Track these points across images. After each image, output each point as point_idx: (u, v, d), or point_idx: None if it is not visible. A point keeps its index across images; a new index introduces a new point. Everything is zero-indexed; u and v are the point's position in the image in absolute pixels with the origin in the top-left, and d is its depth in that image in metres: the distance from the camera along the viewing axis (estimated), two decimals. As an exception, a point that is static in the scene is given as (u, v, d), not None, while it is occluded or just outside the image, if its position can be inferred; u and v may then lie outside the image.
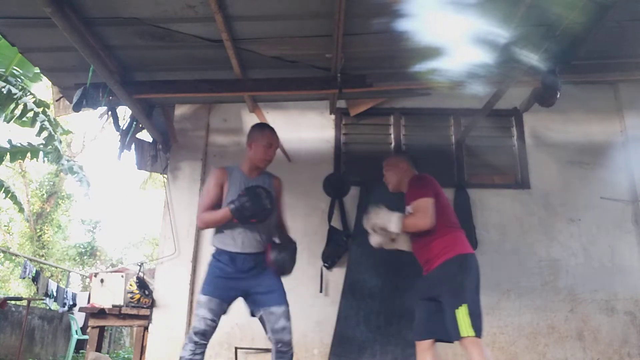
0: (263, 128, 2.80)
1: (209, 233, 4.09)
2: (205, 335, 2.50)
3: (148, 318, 4.06)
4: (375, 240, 2.79)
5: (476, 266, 2.61)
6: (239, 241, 2.61)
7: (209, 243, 2.74)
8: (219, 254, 2.64)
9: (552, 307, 3.99)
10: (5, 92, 5.70)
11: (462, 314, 2.42)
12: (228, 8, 2.86)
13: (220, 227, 2.64)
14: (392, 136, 4.46)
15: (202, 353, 2.51)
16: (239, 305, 2.63)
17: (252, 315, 2.65)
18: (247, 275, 2.59)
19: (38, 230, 13.54)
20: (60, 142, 7.04)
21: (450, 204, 2.89)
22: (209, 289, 2.56)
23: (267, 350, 3.88)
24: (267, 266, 2.63)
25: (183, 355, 2.49)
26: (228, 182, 2.66)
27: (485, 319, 3.91)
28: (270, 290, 2.61)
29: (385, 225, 2.63)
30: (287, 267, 2.68)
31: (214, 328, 2.54)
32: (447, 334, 2.50)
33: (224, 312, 2.58)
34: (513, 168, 4.37)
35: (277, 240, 2.74)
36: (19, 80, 6.24)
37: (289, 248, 2.73)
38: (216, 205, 2.62)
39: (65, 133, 7.35)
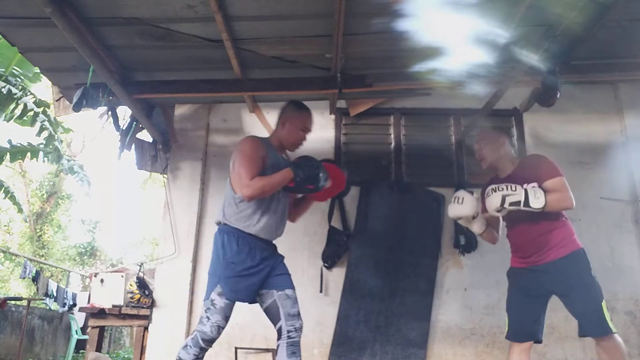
0: (302, 109, 2.59)
1: (208, 232, 4.12)
2: (212, 342, 2.33)
3: (148, 318, 4.06)
4: (464, 210, 2.55)
5: None
6: (268, 225, 2.40)
7: (210, 237, 2.51)
8: (236, 241, 2.35)
9: (552, 307, 3.96)
10: (5, 92, 5.71)
11: (605, 309, 2.34)
12: (228, 8, 2.86)
13: (254, 207, 2.38)
14: (392, 136, 4.46)
15: (203, 358, 2.36)
16: (239, 305, 2.52)
17: (255, 301, 2.41)
18: (264, 266, 2.39)
19: (38, 230, 13.55)
20: (61, 141, 7.05)
21: None
22: (229, 292, 2.30)
23: (267, 350, 3.89)
24: (277, 255, 2.51)
25: (184, 359, 2.30)
26: (268, 156, 2.43)
27: (485, 319, 3.97)
28: (283, 272, 2.46)
29: (527, 200, 2.33)
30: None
31: (221, 334, 2.36)
32: (592, 329, 2.39)
33: None
34: (513, 168, 4.37)
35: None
36: (19, 80, 6.24)
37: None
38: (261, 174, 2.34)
39: (66, 132, 7.34)
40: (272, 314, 2.39)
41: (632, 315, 3.96)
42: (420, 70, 3.31)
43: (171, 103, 4.43)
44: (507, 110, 4.37)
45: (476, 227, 2.66)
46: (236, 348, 3.87)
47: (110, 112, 4.24)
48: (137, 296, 4.08)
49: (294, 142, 2.57)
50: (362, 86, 3.55)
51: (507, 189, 2.37)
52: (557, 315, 3.96)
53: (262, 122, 4.47)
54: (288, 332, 2.34)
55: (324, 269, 4.07)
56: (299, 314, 2.40)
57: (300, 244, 4.17)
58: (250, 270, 2.34)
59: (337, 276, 4.08)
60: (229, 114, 4.53)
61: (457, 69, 3.21)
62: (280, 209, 2.52)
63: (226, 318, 2.33)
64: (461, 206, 2.56)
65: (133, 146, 4.48)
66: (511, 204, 2.35)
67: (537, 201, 2.33)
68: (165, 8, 2.86)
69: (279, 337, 2.35)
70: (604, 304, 2.36)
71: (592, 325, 2.38)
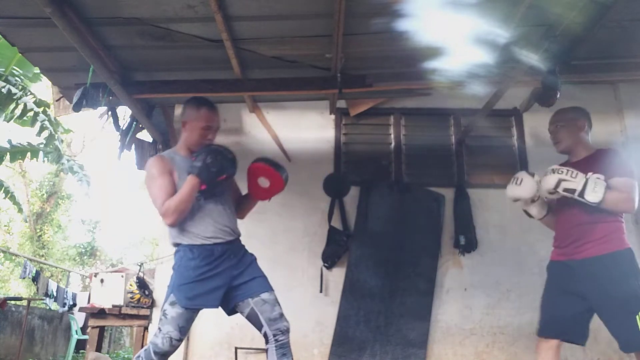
0: (199, 105, 2.35)
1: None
2: (166, 356, 2.18)
3: (148, 318, 4.06)
4: (522, 192, 2.39)
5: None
6: (209, 230, 2.25)
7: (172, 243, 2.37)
8: (188, 251, 2.24)
9: (552, 307, 3.98)
10: (5, 92, 5.71)
11: None
12: (228, 8, 2.86)
13: (188, 220, 2.24)
14: (392, 136, 4.46)
15: None
16: (209, 309, 2.39)
17: (235, 312, 2.32)
18: (224, 268, 2.24)
19: (38, 230, 13.55)
20: (62, 141, 7.05)
21: None
22: (183, 299, 2.16)
23: (267, 350, 3.89)
24: (244, 255, 2.36)
25: None
26: (176, 169, 2.27)
27: (485, 319, 3.97)
28: (253, 277, 2.30)
29: (583, 191, 2.14)
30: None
31: (177, 348, 2.20)
32: (626, 344, 2.15)
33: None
34: (513, 168, 4.36)
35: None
36: (19, 80, 6.24)
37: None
38: (173, 194, 2.19)
39: (67, 132, 7.35)
40: (254, 322, 2.28)
41: (632, 315, 3.96)
42: (420, 70, 3.31)
43: (171, 103, 4.43)
44: (507, 110, 4.37)
45: (535, 211, 2.50)
46: (236, 348, 3.87)
47: (110, 112, 4.24)
48: (137, 296, 4.08)
49: (198, 141, 2.33)
50: (362, 86, 3.55)
51: (566, 173, 2.18)
52: (557, 315, 3.97)
53: (262, 122, 4.47)
54: (274, 335, 2.23)
55: (324, 269, 4.07)
56: (281, 316, 2.27)
57: (300, 244, 4.17)
58: (206, 275, 2.21)
59: (337, 276, 4.07)
60: (229, 114, 4.53)
61: (457, 69, 3.21)
62: (219, 206, 2.33)
63: (180, 329, 2.16)
64: (519, 187, 2.40)
65: (133, 146, 4.48)
66: (565, 189, 2.17)
67: (594, 195, 2.12)
68: (165, 8, 2.86)
69: (267, 342, 2.26)
70: None
71: (624, 338, 2.15)
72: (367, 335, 3.88)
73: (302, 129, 4.46)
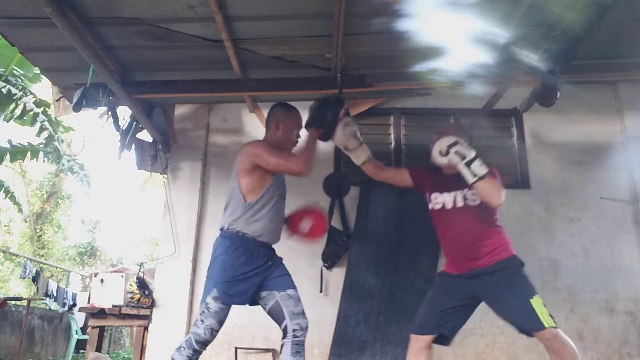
0: (292, 109, 2.65)
1: (209, 233, 4.12)
2: (206, 345, 2.35)
3: (148, 318, 4.06)
4: (336, 139, 2.58)
5: None
6: (273, 230, 2.45)
7: (210, 241, 2.53)
8: (235, 247, 2.36)
9: (552, 307, 3.88)
10: (5, 92, 5.70)
11: (538, 304, 2.26)
12: (228, 8, 2.86)
13: (259, 214, 2.40)
14: (392, 136, 4.46)
15: (197, 359, 2.37)
16: (239, 306, 2.52)
17: (256, 302, 2.43)
18: (262, 269, 2.40)
19: (38, 230, 13.55)
20: (62, 141, 7.05)
21: None
22: (225, 296, 2.31)
23: (267, 350, 3.89)
24: (276, 257, 2.53)
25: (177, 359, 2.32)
26: None
27: (485, 319, 3.96)
28: (283, 273, 2.47)
29: (472, 160, 2.26)
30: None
31: (215, 337, 2.37)
32: (524, 326, 2.31)
33: None
34: (513, 168, 4.37)
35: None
36: (19, 80, 6.24)
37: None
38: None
39: (67, 131, 7.33)
40: (276, 315, 2.38)
41: (632, 315, 3.96)
42: (420, 70, 3.31)
43: (171, 103, 4.43)
44: (507, 110, 4.37)
45: (353, 157, 2.67)
46: (236, 348, 3.87)
47: (110, 112, 4.24)
48: (137, 296, 4.08)
49: (292, 140, 2.62)
50: (362, 86, 3.56)
51: (464, 142, 2.33)
52: (557, 316, 3.93)
53: (262, 122, 4.47)
54: (294, 330, 2.32)
55: (324, 269, 4.07)
56: (303, 313, 2.39)
57: (300, 244, 4.16)
58: (246, 275, 2.35)
59: (337, 276, 4.07)
60: (229, 114, 4.53)
61: (457, 69, 3.21)
62: (282, 212, 2.58)
63: (220, 322, 2.34)
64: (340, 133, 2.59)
65: (133, 146, 4.48)
66: (457, 152, 2.29)
67: (479, 169, 2.24)
68: (165, 8, 2.86)
69: (284, 336, 2.34)
70: (536, 299, 2.28)
71: (521, 322, 2.32)
72: (367, 335, 3.88)
73: (302, 129, 4.44)
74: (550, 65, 3.15)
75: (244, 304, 2.39)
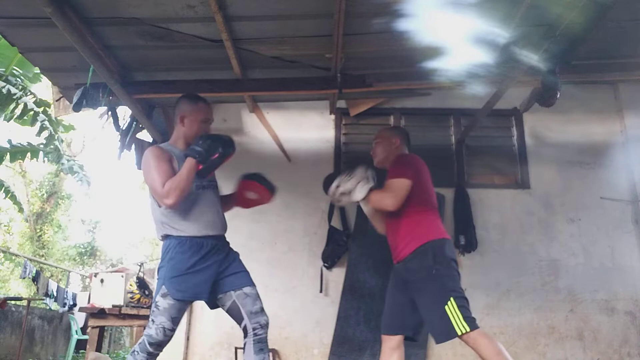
0: (196, 100, 2.46)
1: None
2: (161, 346, 2.24)
3: (148, 318, 4.06)
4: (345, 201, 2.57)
5: (452, 251, 2.40)
6: (202, 222, 2.31)
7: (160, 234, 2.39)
8: (179, 244, 2.29)
9: (552, 307, 3.99)
10: (5, 92, 5.71)
11: (453, 309, 2.21)
12: (228, 8, 2.86)
13: (179, 212, 2.29)
14: (392, 136, 4.45)
15: None
16: (197, 301, 2.44)
17: (217, 306, 2.38)
18: (212, 261, 2.30)
19: (38, 230, 13.54)
20: (62, 141, 7.05)
21: (433, 187, 2.63)
22: (175, 291, 2.22)
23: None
24: (229, 251, 2.42)
25: None
26: (174, 159, 2.32)
27: (485, 319, 3.96)
28: (238, 271, 2.36)
29: (351, 190, 2.42)
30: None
31: (171, 338, 2.26)
32: (438, 335, 2.28)
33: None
34: (513, 168, 4.37)
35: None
36: (19, 80, 6.24)
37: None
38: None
39: (67, 130, 7.34)
40: (235, 315, 2.33)
41: (632, 315, 3.97)
42: (420, 70, 3.31)
43: (171, 103, 4.40)
44: (507, 110, 4.37)
45: (355, 198, 2.58)
46: (236, 348, 3.87)
47: (110, 112, 4.23)
48: (137, 296, 4.08)
49: (199, 134, 2.39)
50: (362, 86, 3.55)
51: (345, 176, 2.45)
52: (557, 316, 3.97)
53: (262, 122, 4.47)
54: (254, 329, 2.28)
55: (324, 269, 4.07)
56: (261, 310, 2.33)
57: (300, 244, 4.17)
58: (196, 267, 2.26)
59: (337, 276, 4.08)
60: (229, 114, 4.53)
61: (457, 69, 3.21)
62: (210, 201, 2.40)
63: (172, 320, 2.23)
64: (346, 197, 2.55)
65: (133, 146, 4.48)
66: (342, 193, 2.44)
67: (359, 194, 2.39)
68: (165, 8, 2.86)
69: (245, 336, 2.31)
70: (450, 303, 2.21)
71: (436, 330, 2.27)
72: (367, 335, 3.88)
73: (302, 129, 4.46)
74: (550, 65, 3.15)
75: (204, 299, 2.31)
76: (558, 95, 3.28)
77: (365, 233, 4.12)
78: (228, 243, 2.46)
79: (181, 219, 2.30)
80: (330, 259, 4.05)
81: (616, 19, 3.03)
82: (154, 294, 2.33)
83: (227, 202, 2.64)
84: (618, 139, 4.38)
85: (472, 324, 2.21)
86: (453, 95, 4.02)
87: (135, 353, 2.23)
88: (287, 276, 4.04)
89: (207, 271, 2.28)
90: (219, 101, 4.47)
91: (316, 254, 4.08)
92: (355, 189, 2.40)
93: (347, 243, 4.07)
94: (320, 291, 4.02)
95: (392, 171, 2.50)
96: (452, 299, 2.23)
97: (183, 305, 2.28)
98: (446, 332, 2.22)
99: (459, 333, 2.19)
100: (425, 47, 3.08)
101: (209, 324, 3.93)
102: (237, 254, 2.46)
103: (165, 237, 2.35)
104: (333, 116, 4.49)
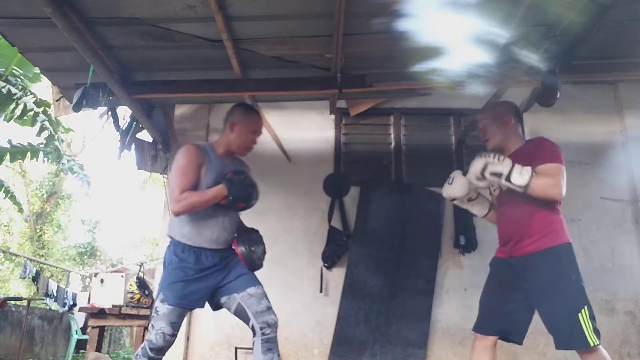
0: (250, 111, 2.52)
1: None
2: (162, 351, 2.26)
3: (148, 318, 4.06)
4: (455, 190, 2.38)
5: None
6: (208, 235, 2.32)
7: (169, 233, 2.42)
8: (180, 250, 2.31)
9: (552, 307, 3.98)
10: (5, 92, 5.71)
11: (585, 318, 2.03)
12: (228, 8, 2.86)
13: (189, 218, 2.32)
14: (392, 136, 4.46)
15: None
16: (196, 308, 2.46)
17: (220, 307, 2.39)
18: (212, 272, 2.32)
19: (38, 230, 13.54)
20: (62, 141, 7.05)
21: None
22: (172, 297, 2.24)
23: (267, 350, 3.89)
24: (232, 259, 2.41)
25: None
26: (206, 164, 2.32)
27: (486, 319, 3.95)
28: (240, 274, 2.36)
29: (510, 174, 2.09)
30: (262, 260, 2.44)
31: (172, 343, 2.29)
32: (565, 341, 2.09)
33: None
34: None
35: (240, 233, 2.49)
36: (19, 80, 6.24)
37: (259, 238, 2.48)
38: (194, 188, 2.27)
39: (67, 131, 7.34)
40: (242, 317, 2.34)
41: (632, 315, 3.97)
42: (420, 70, 3.31)
43: (171, 103, 4.43)
44: (507, 110, 4.36)
45: (476, 210, 2.50)
46: (236, 348, 3.87)
47: (110, 112, 4.24)
48: (137, 296, 4.08)
49: (245, 145, 2.45)
50: (362, 86, 3.55)
51: (493, 157, 2.15)
52: (557, 315, 3.97)
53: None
54: (261, 329, 2.28)
55: (324, 269, 4.07)
56: (268, 310, 2.32)
57: (300, 245, 4.17)
58: (197, 275, 2.28)
59: (337, 276, 4.08)
60: (229, 114, 4.53)
61: (457, 69, 3.20)
62: (226, 219, 2.40)
63: (172, 325, 2.24)
64: (451, 187, 2.41)
65: (133, 146, 4.48)
66: (492, 173, 2.13)
67: (521, 178, 2.08)
68: (165, 8, 2.86)
69: (254, 335, 2.31)
70: (584, 312, 2.05)
71: (564, 337, 2.09)
72: (367, 335, 3.88)
73: (302, 129, 4.46)
74: (550, 65, 3.14)
75: (199, 307, 2.34)
76: (558, 95, 3.27)
77: (365, 233, 4.13)
78: (233, 251, 2.44)
79: (189, 226, 2.32)
80: (330, 259, 4.05)
81: (616, 19, 3.02)
82: (155, 299, 2.35)
83: None
84: (618, 139, 4.38)
85: (600, 337, 2.06)
86: (453, 95, 4.01)
87: (138, 357, 2.26)
88: (287, 276, 4.04)
89: (204, 280, 2.30)
90: (219, 101, 4.47)
91: (316, 254, 4.08)
92: (513, 171, 2.09)
93: (347, 243, 4.07)
94: (320, 291, 4.02)
95: (548, 154, 2.22)
96: (585, 307, 2.07)
97: (182, 311, 2.29)
98: (577, 341, 2.06)
99: (591, 344, 2.03)
100: (425, 47, 3.08)
101: (209, 324, 3.93)
102: (238, 259, 2.43)
103: (171, 239, 2.38)
104: (333, 116, 4.49)
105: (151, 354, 2.24)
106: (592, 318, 2.06)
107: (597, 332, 2.05)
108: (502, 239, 2.36)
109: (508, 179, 2.10)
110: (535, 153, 2.25)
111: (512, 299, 2.26)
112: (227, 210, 2.38)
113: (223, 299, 2.35)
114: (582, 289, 2.12)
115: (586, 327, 2.03)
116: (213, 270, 2.33)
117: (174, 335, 2.26)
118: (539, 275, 2.15)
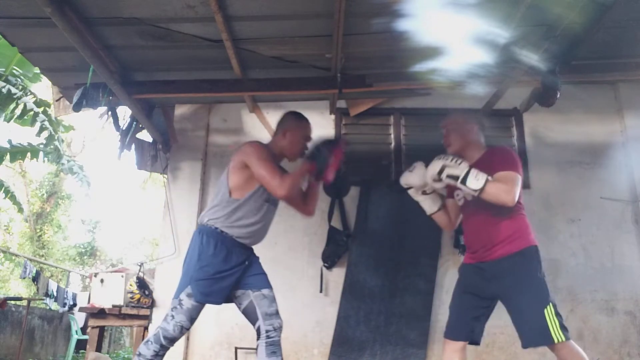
0: (302, 118, 2.63)
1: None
2: (174, 341, 2.32)
3: (148, 318, 4.06)
4: (413, 179, 2.45)
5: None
6: (254, 232, 2.43)
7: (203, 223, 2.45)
8: (213, 245, 2.34)
9: (552, 307, 3.98)
10: (5, 92, 5.71)
11: (551, 315, 2.12)
12: (228, 8, 2.86)
13: (239, 211, 2.38)
14: (392, 136, 4.46)
15: (164, 355, 2.34)
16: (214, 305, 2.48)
17: (231, 300, 2.41)
18: (238, 269, 2.37)
19: (38, 230, 13.54)
20: (62, 141, 7.05)
21: None
22: (199, 295, 2.29)
23: (267, 350, 3.89)
24: (253, 257, 2.50)
25: (143, 354, 2.27)
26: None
27: (485, 319, 3.96)
28: (259, 272, 2.45)
29: (465, 178, 2.16)
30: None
31: (184, 335, 2.37)
32: (528, 338, 2.18)
33: None
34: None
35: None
36: (19, 80, 6.24)
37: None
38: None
39: (67, 130, 7.34)
40: (250, 315, 2.38)
41: (632, 315, 3.97)
42: (420, 70, 3.31)
43: (171, 103, 4.43)
44: (507, 110, 4.37)
45: (426, 205, 2.55)
46: (236, 348, 3.87)
47: (110, 112, 4.24)
48: (137, 296, 4.08)
49: (297, 151, 2.58)
50: (362, 86, 3.56)
51: (451, 160, 2.22)
52: (557, 315, 3.97)
53: (262, 122, 4.47)
54: (267, 331, 2.32)
55: (324, 269, 4.07)
56: (277, 313, 2.39)
57: (300, 244, 4.17)
58: (222, 274, 2.33)
59: (337, 276, 4.08)
60: (229, 114, 4.53)
61: (457, 69, 3.20)
62: (269, 217, 2.54)
63: (191, 320, 2.32)
64: (410, 174, 2.48)
65: (133, 146, 4.48)
66: (449, 176, 2.20)
67: (476, 182, 2.13)
68: (165, 8, 2.86)
69: (258, 337, 2.34)
70: (549, 308, 2.14)
71: (530, 333, 2.16)
72: (367, 335, 3.88)
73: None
74: (550, 65, 3.15)
75: (218, 303, 2.38)
76: (558, 95, 3.28)
77: (365, 233, 4.13)
78: (252, 249, 2.54)
79: (241, 219, 2.39)
80: (330, 259, 4.05)
81: (616, 19, 3.03)
82: (177, 288, 2.37)
83: (309, 189, 2.74)
84: (618, 139, 4.38)
85: (567, 334, 2.13)
86: (453, 95, 4.02)
87: (150, 343, 2.30)
88: (287, 276, 4.04)
89: (231, 277, 2.35)
90: (219, 101, 4.47)
91: (316, 254, 4.08)
92: (469, 175, 2.16)
93: (347, 243, 4.07)
94: (320, 291, 4.02)
95: (505, 162, 2.28)
96: (551, 304, 2.16)
97: (203, 306, 2.35)
98: (542, 337, 2.14)
99: (555, 341, 2.10)
100: (425, 47, 3.08)
101: (209, 324, 3.93)
102: (257, 257, 2.54)
103: (205, 227, 2.41)
104: (333, 116, 4.49)
105: (164, 342, 2.29)
106: (558, 315, 2.15)
107: (564, 328, 2.13)
108: (472, 247, 2.42)
109: (463, 182, 2.17)
110: (495, 160, 2.32)
111: (480, 306, 2.36)
112: (270, 211, 2.51)
113: (238, 293, 2.39)
114: (547, 288, 2.20)
115: (551, 323, 2.12)
116: (240, 268, 2.38)
117: (188, 329, 2.34)
118: (509, 276, 2.24)
